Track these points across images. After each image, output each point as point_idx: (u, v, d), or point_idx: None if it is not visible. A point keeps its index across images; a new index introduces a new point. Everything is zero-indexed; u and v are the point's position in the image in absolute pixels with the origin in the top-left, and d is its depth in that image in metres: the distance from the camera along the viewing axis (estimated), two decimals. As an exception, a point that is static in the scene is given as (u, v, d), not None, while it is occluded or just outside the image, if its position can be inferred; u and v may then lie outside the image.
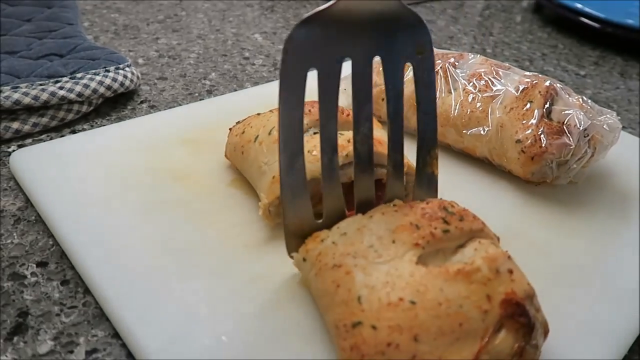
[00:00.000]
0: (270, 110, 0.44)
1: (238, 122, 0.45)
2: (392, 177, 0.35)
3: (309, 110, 0.42)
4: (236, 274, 0.36)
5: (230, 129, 0.45)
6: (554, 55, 0.83)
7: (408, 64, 0.33)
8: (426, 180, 0.36)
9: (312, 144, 0.39)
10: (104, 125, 0.50)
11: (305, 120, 0.42)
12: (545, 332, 0.30)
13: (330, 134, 0.32)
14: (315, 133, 0.41)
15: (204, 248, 0.37)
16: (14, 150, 0.47)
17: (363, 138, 0.33)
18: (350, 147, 0.39)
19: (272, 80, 0.62)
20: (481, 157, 0.49)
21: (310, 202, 0.34)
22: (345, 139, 0.40)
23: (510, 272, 0.29)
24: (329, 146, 0.32)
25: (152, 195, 0.41)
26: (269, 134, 0.41)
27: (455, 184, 0.47)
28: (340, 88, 0.57)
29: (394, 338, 0.26)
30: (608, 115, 0.46)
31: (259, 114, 0.45)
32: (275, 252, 0.37)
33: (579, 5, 0.90)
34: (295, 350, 0.31)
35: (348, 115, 0.43)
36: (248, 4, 0.87)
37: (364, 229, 0.31)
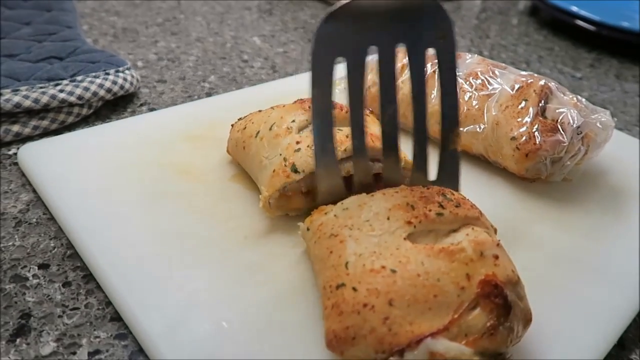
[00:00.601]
0: (272, 107, 0.45)
1: (240, 119, 0.46)
2: (418, 156, 0.38)
3: (309, 107, 0.43)
4: (236, 263, 0.36)
5: (232, 125, 0.46)
6: (550, 57, 0.84)
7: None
8: (449, 159, 0.38)
9: (311, 139, 0.40)
10: (104, 128, 0.51)
11: (305, 117, 0.42)
12: (527, 321, 0.30)
13: (358, 118, 0.36)
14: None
15: (205, 238, 0.38)
16: (14, 153, 0.47)
17: (389, 119, 0.36)
18: (348, 142, 0.39)
19: (271, 81, 0.62)
20: (477, 154, 0.50)
21: (341, 178, 0.38)
22: (343, 135, 0.40)
23: (496, 257, 0.31)
24: (358, 129, 0.36)
25: (157, 188, 0.42)
26: (270, 129, 0.42)
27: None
28: (337, 87, 0.57)
29: (370, 300, 0.28)
30: (601, 114, 0.47)
31: (260, 111, 0.45)
32: (275, 243, 0.39)
33: (574, 8, 0.90)
34: (294, 336, 0.32)
35: (346, 112, 0.44)
36: (246, 6, 0.87)
37: (364, 206, 0.34)
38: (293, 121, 0.42)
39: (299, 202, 0.41)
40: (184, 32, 0.75)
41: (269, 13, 0.86)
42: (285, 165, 0.39)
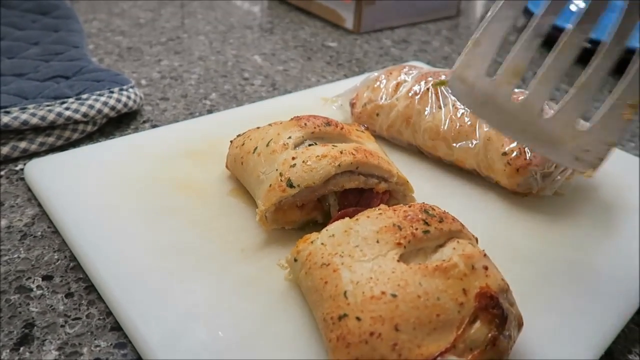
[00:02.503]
0: (269, 124, 0.46)
1: (239, 135, 0.47)
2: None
3: (305, 124, 0.44)
4: (233, 275, 0.38)
5: (231, 142, 0.47)
6: (546, 74, 0.85)
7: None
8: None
9: (307, 154, 0.41)
10: (107, 144, 0.52)
11: (301, 133, 0.44)
12: (520, 325, 0.31)
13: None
14: (310, 145, 0.43)
15: (203, 252, 0.39)
16: (21, 169, 0.48)
17: None
18: (343, 158, 0.41)
19: (270, 99, 0.64)
20: (470, 169, 0.51)
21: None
22: (338, 151, 0.42)
23: (486, 268, 0.31)
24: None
25: (157, 203, 0.44)
26: (267, 145, 0.43)
27: (446, 194, 0.49)
28: (334, 104, 0.58)
29: (376, 328, 0.28)
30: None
31: (258, 128, 0.47)
32: (270, 256, 0.40)
33: (570, 27, 0.92)
34: (288, 346, 0.33)
35: (342, 128, 0.45)
36: (248, 25, 0.89)
37: (351, 231, 0.34)
38: (289, 137, 0.44)
39: (294, 215, 0.42)
40: (187, 51, 0.77)
41: (270, 32, 0.88)
42: (281, 180, 0.41)
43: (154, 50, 0.76)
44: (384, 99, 0.55)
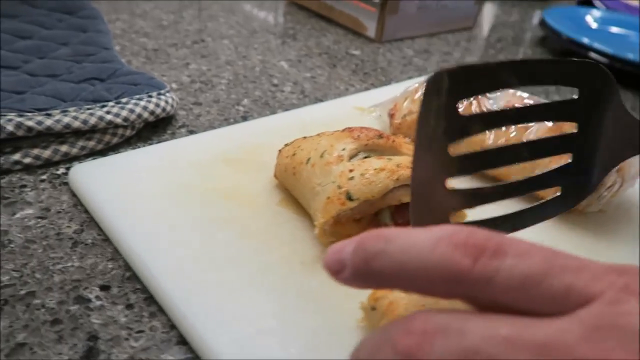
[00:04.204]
0: (318, 135, 0.46)
1: (287, 145, 0.47)
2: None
3: (358, 136, 0.44)
4: (298, 289, 0.37)
5: (279, 151, 0.47)
6: (567, 89, 0.86)
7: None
8: None
9: (364, 167, 0.41)
10: (148, 150, 0.51)
11: (355, 145, 0.43)
12: None
13: None
14: (365, 157, 0.43)
15: (262, 264, 0.39)
16: (63, 173, 0.47)
17: None
18: (401, 172, 0.40)
19: (302, 107, 0.64)
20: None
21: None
22: (394, 164, 0.41)
23: None
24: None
25: (206, 212, 0.43)
26: (321, 156, 0.43)
27: (491, 209, 0.49)
28: (372, 113, 0.57)
29: None
30: None
31: (304, 137, 0.47)
32: None
33: (586, 40, 0.93)
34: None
35: (393, 141, 0.45)
36: (270, 31, 0.89)
37: None
38: (343, 149, 0.43)
39: (351, 229, 0.42)
40: (213, 55, 0.76)
41: (293, 38, 0.88)
42: (339, 193, 0.40)
43: (181, 53, 0.75)
44: (425, 111, 0.55)
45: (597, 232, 0.48)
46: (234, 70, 0.73)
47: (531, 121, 0.33)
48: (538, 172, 0.35)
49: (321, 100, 0.68)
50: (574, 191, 0.34)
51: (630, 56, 0.88)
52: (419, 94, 0.57)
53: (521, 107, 0.32)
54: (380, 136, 0.45)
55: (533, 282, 0.20)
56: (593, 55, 0.91)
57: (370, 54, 0.86)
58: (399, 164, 0.42)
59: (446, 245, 0.21)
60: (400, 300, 0.31)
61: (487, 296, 0.21)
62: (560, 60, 0.29)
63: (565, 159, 0.33)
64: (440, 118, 0.25)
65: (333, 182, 0.41)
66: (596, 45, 0.92)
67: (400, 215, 0.42)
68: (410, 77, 0.79)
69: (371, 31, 0.91)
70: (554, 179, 0.33)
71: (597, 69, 0.29)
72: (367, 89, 0.73)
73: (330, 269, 0.24)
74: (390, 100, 0.59)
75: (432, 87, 0.25)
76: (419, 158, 0.26)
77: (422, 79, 0.59)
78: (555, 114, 0.32)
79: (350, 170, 0.41)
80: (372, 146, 0.44)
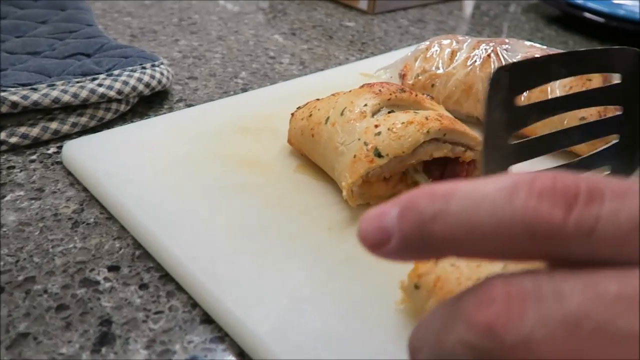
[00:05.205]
0: (333, 94, 0.42)
1: (299, 107, 0.43)
2: None
3: (379, 90, 0.41)
4: (329, 255, 0.34)
5: (292, 114, 0.43)
6: (567, 51, 0.83)
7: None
8: None
9: (390, 121, 0.37)
10: (145, 124, 0.47)
11: (377, 100, 0.40)
12: None
13: None
14: (389, 112, 0.39)
15: (288, 231, 0.35)
16: (55, 152, 0.43)
17: None
18: (430, 124, 0.37)
19: (311, 74, 0.60)
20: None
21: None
22: (423, 117, 0.38)
23: None
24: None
25: (223, 181, 0.39)
26: (341, 114, 0.39)
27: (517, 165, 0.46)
28: (384, 77, 0.54)
29: None
30: None
31: (318, 99, 0.43)
32: None
33: (580, 1, 0.91)
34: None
35: (416, 95, 0.42)
36: (259, 7, 0.85)
37: None
38: (365, 105, 0.40)
39: (380, 189, 0.38)
40: (203, 31, 0.72)
41: (283, 12, 0.83)
42: (367, 150, 0.37)
43: (168, 30, 0.71)
44: (440, 68, 0.52)
45: None
46: (227, 44, 0.68)
47: (581, 107, 0.35)
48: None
49: (322, 70, 0.64)
50: (620, 170, 0.34)
51: (622, 12, 0.86)
52: (431, 52, 0.53)
53: (570, 95, 0.35)
54: (403, 90, 0.42)
55: None
56: (588, 15, 0.89)
57: (365, 25, 0.82)
58: (428, 117, 0.38)
59: (527, 195, 0.16)
60: (450, 274, 0.27)
61: (584, 252, 0.16)
62: (603, 49, 0.30)
63: (612, 140, 0.34)
64: (503, 111, 0.27)
65: (359, 140, 0.37)
66: (590, 4, 0.90)
67: (433, 171, 0.39)
68: (409, 45, 0.76)
69: (363, 4, 0.87)
70: (602, 159, 0.35)
71: (637, 54, 0.31)
72: (367, 57, 0.69)
73: (368, 241, 0.18)
74: (400, 60, 0.55)
75: (495, 84, 0.26)
76: (488, 149, 0.27)
77: (434, 38, 0.56)
78: (602, 98, 0.34)
79: (376, 126, 0.38)
80: (395, 101, 0.41)
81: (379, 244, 0.18)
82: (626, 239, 0.16)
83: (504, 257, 0.18)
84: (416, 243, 0.17)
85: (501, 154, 0.28)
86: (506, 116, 0.27)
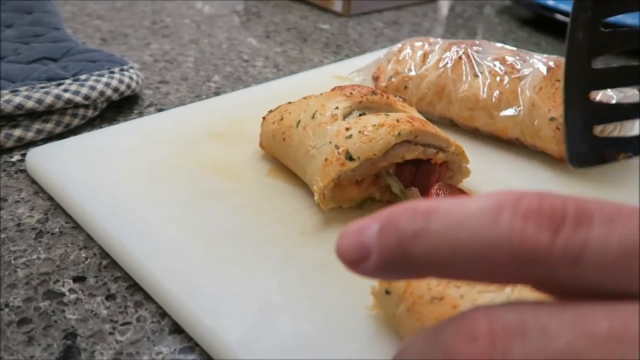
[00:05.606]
0: (304, 97, 0.42)
1: (270, 111, 0.43)
2: None
3: (350, 93, 0.40)
4: (300, 260, 0.33)
5: (263, 118, 0.42)
6: (540, 52, 0.84)
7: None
8: None
9: (361, 124, 0.37)
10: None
11: (348, 103, 0.40)
12: None
13: None
14: (361, 115, 0.39)
15: (260, 237, 0.35)
16: (18, 160, 0.42)
17: None
18: (401, 126, 0.37)
19: (285, 77, 0.60)
20: (512, 138, 0.48)
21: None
22: (394, 119, 0.38)
23: None
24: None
25: (194, 187, 0.39)
26: (312, 117, 0.39)
27: (490, 165, 0.46)
28: (357, 79, 0.53)
29: None
30: (629, 92, 0.47)
31: (289, 102, 0.43)
32: (334, 238, 0.34)
33: (551, 2, 0.92)
34: (383, 337, 0.28)
35: (388, 97, 0.42)
36: (233, 10, 0.84)
37: None
38: (336, 108, 0.39)
39: (352, 192, 0.38)
40: (175, 34, 0.71)
41: (257, 15, 0.83)
42: (338, 153, 0.36)
43: (140, 33, 0.69)
44: (413, 70, 0.52)
45: (603, 182, 0.46)
46: (199, 48, 0.68)
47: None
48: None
49: (296, 73, 0.64)
50: None
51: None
52: (403, 54, 0.53)
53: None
54: (374, 93, 0.41)
55: (633, 255, 0.15)
56: (560, 17, 0.91)
57: (340, 27, 0.82)
58: (399, 119, 0.38)
59: (512, 215, 0.15)
60: (420, 280, 0.26)
61: (570, 277, 0.15)
62: None
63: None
64: (587, 31, 0.27)
65: (330, 143, 0.37)
66: (562, 6, 0.91)
67: (405, 173, 0.39)
68: (384, 47, 0.76)
69: (338, 6, 0.87)
70: None
71: None
72: (341, 60, 0.69)
73: (346, 257, 0.17)
74: (373, 63, 0.55)
75: (580, 4, 0.26)
76: (570, 72, 0.27)
77: (406, 40, 0.56)
78: None
79: (347, 129, 0.37)
80: (367, 103, 0.41)
81: (357, 261, 0.17)
82: (615, 266, 0.15)
83: (487, 280, 0.17)
84: (396, 262, 0.17)
85: (583, 78, 0.28)
86: (589, 38, 0.27)
